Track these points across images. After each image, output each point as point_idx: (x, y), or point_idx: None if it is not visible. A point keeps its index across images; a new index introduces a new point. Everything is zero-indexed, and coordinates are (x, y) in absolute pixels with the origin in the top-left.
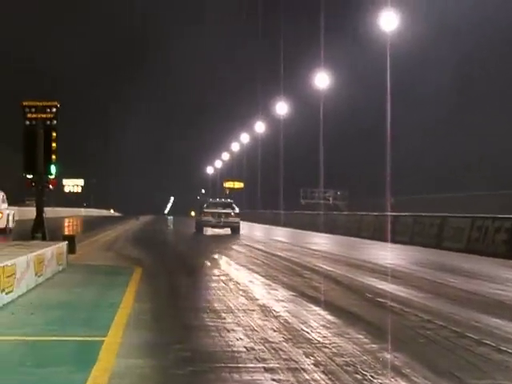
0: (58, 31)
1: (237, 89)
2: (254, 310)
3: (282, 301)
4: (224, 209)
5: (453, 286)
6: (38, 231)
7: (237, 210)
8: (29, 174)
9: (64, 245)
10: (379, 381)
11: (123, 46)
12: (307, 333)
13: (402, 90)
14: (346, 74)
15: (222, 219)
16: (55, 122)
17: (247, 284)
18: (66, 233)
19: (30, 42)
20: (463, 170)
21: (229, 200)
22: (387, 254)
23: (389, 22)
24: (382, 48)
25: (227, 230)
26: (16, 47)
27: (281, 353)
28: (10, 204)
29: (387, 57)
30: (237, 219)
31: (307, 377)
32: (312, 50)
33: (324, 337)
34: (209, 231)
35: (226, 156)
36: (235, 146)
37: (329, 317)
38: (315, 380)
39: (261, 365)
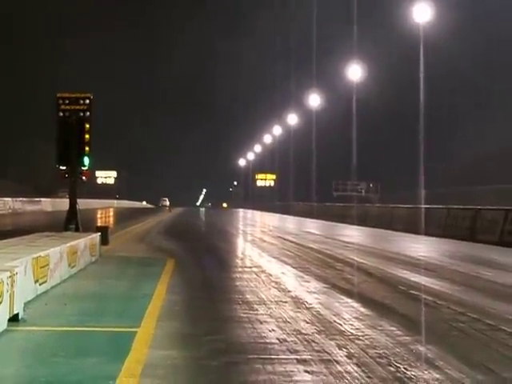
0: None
1: (269, 81)
2: (286, 302)
3: (315, 293)
4: (206, 203)
5: (486, 279)
6: (72, 222)
7: (209, 203)
8: (62, 165)
9: (97, 236)
10: (412, 373)
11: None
12: (340, 325)
13: (437, 80)
14: (379, 66)
15: (206, 205)
16: (88, 113)
17: (279, 276)
18: (99, 224)
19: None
20: (497, 161)
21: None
22: (420, 247)
23: (422, 13)
24: (418, 38)
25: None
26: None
27: (313, 344)
28: (42, 196)
29: (420, 47)
30: (210, 205)
31: (340, 369)
32: (345, 41)
33: (357, 329)
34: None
35: (258, 148)
36: (267, 139)
37: (361, 309)
38: (348, 372)
39: (293, 356)
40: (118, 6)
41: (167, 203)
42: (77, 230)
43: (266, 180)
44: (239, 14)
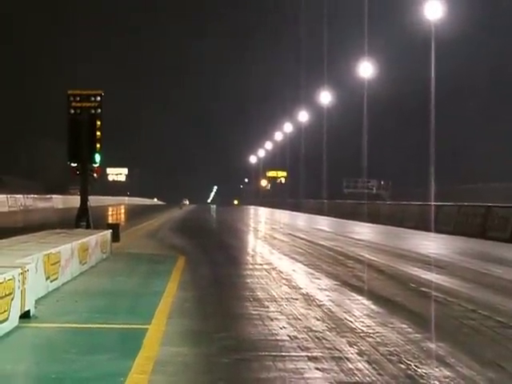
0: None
1: (281, 79)
2: (297, 299)
3: (325, 290)
4: (213, 201)
5: (497, 276)
6: (83, 219)
7: (214, 203)
8: (73, 162)
9: (108, 233)
10: (423, 370)
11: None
12: (351, 322)
13: (448, 78)
14: (390, 64)
15: (211, 203)
16: (99, 110)
17: (290, 273)
18: (110, 221)
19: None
20: (508, 158)
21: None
22: (430, 244)
23: (434, 11)
24: (430, 35)
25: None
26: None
27: (324, 342)
28: (53, 192)
29: (432, 45)
30: (215, 204)
31: (351, 366)
32: (356, 39)
33: (368, 326)
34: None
35: (269, 145)
36: (278, 136)
37: (372, 306)
38: (359, 369)
39: (304, 353)
40: (130, 7)
41: (187, 203)
42: (88, 226)
43: (277, 177)
44: (250, 16)
